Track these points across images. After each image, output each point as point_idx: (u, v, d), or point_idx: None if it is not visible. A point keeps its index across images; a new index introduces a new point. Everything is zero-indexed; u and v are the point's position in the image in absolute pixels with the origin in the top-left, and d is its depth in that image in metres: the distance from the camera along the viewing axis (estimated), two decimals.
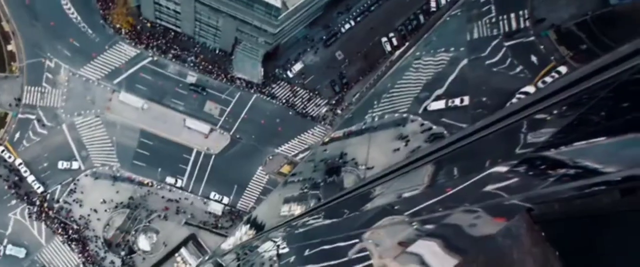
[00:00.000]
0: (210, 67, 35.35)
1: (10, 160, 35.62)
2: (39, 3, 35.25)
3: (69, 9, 35.51)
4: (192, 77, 35.42)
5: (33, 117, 35.90)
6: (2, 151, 35.53)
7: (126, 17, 35.45)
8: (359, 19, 34.75)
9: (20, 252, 36.09)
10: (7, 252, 35.99)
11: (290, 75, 35.25)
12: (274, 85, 35.26)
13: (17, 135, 35.80)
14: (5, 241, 36.02)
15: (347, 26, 34.99)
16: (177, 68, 35.54)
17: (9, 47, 35.60)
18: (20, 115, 35.85)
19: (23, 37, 35.52)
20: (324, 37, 35.11)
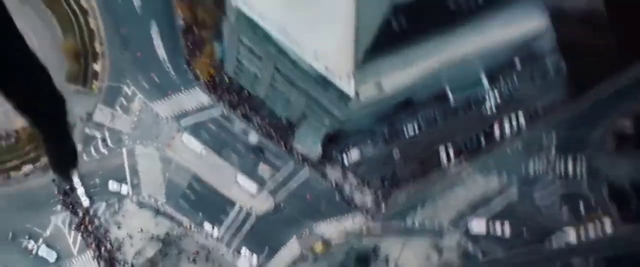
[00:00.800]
0: (273, 132, 37.51)
1: None
2: (133, 34, 38.02)
3: (159, 47, 38.18)
4: (253, 138, 37.62)
5: (99, 135, 38.42)
6: None
7: (208, 67, 37.96)
8: (423, 126, 36.70)
9: (52, 256, 38.31)
10: (40, 253, 38.26)
11: (346, 160, 37.22)
12: (328, 166, 37.21)
13: (80, 147, 38.36)
14: (41, 241, 38.35)
15: (411, 130, 36.94)
16: (242, 126, 37.80)
17: (95, 66, 38.29)
18: (87, 130, 38.47)
19: (110, 61, 38.21)
20: (386, 134, 37.08)
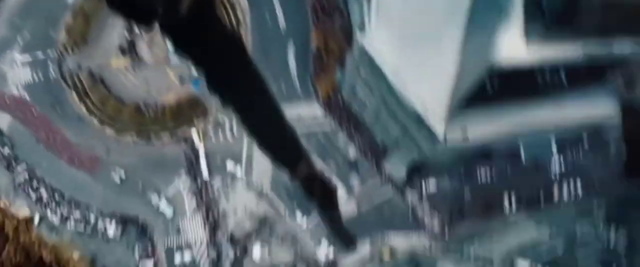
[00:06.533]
0: (369, 152, 50.55)
1: (196, 144, 52.33)
2: (274, 49, 51.88)
3: (291, 62, 51.94)
4: (352, 153, 50.74)
5: (228, 123, 52.49)
6: (194, 135, 52.37)
7: (328, 87, 51.26)
8: (495, 175, 48.96)
9: (169, 211, 51.53)
10: (161, 206, 51.85)
11: (424, 188, 49.78)
12: (408, 189, 49.89)
13: (211, 129, 52.52)
14: (163, 196, 52.44)
15: (484, 175, 49.21)
16: (345, 141, 51.00)
17: None
18: (219, 117, 52.52)
19: None
20: (462, 174, 49.42)
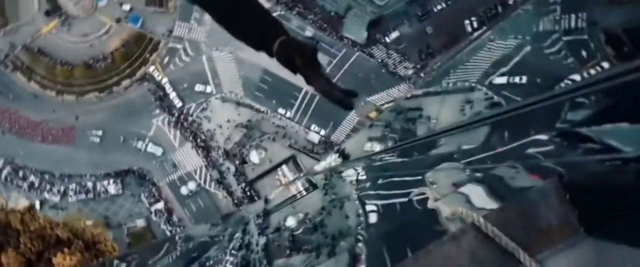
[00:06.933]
0: (325, 25, 50.34)
1: (159, 78, 51.84)
2: None
3: None
4: (309, 32, 50.53)
5: (180, 46, 51.57)
6: (153, 70, 51.79)
7: None
8: (449, 2, 49.55)
9: (158, 151, 52.76)
10: (148, 149, 52.72)
11: (388, 40, 50.31)
12: (373, 47, 50.39)
13: (166, 59, 51.86)
14: (147, 140, 52.67)
15: (439, 7, 49.75)
16: (299, 23, 50.82)
17: None
18: (170, 44, 51.82)
19: None
20: (419, 14, 49.83)
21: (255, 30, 2.58)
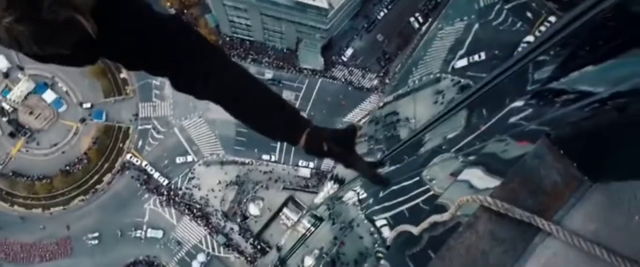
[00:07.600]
0: (281, 63, 50.83)
1: (138, 163, 51.29)
2: None
3: None
4: (268, 74, 50.94)
5: (149, 126, 51.34)
6: (131, 157, 51.28)
7: (209, 35, 50.88)
8: (390, 6, 50.54)
9: (158, 234, 51.78)
10: (149, 235, 51.72)
11: (345, 59, 50.99)
12: (333, 69, 50.93)
13: (140, 142, 51.46)
14: (145, 226, 51.66)
15: (382, 13, 50.82)
16: (256, 69, 51.12)
17: (122, 75, 50.81)
18: (139, 127, 51.54)
19: None
20: (365, 25, 50.77)
21: (278, 127, 2.27)
